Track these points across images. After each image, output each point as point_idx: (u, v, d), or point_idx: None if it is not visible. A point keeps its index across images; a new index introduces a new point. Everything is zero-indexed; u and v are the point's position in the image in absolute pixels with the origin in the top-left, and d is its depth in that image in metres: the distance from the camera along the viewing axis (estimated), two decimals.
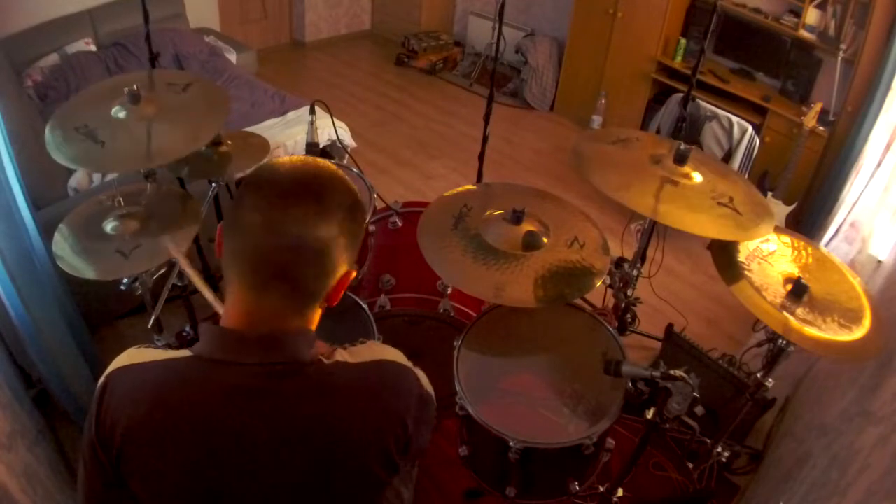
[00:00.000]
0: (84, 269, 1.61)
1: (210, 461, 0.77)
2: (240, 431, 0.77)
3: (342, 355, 0.85)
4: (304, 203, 0.77)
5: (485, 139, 2.53)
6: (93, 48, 3.94)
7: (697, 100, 3.44)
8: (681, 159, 1.68)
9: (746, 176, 3.14)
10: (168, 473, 0.78)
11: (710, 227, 1.56)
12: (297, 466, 0.78)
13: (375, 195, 2.09)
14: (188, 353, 0.81)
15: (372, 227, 2.10)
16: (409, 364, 0.90)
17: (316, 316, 0.85)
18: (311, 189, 0.79)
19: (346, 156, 2.90)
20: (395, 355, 0.90)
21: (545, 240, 1.63)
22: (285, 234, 0.76)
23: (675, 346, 2.42)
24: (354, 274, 0.86)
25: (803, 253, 1.69)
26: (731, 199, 1.63)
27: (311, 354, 0.81)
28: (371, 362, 0.86)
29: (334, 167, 0.84)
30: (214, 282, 2.43)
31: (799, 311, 1.51)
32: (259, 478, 0.78)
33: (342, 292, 0.85)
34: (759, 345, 1.80)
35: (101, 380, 0.82)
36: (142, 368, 0.82)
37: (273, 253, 0.77)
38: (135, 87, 1.73)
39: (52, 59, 3.75)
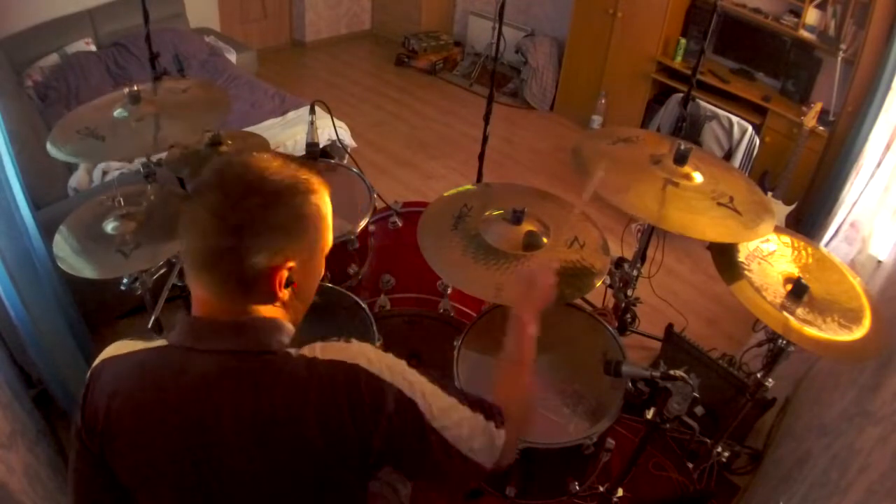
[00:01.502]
0: (84, 269, 1.61)
1: (186, 445, 0.80)
2: (212, 416, 0.79)
3: (313, 350, 0.85)
4: (237, 196, 0.78)
5: (485, 139, 2.53)
6: (93, 48, 3.94)
7: (697, 100, 3.44)
8: (681, 160, 1.68)
9: (746, 176, 3.14)
10: (149, 459, 0.82)
11: (710, 230, 1.56)
12: (268, 450, 0.80)
13: (375, 195, 2.09)
14: (164, 342, 0.84)
15: (372, 227, 2.10)
16: (386, 378, 0.84)
17: (286, 309, 0.86)
18: (245, 180, 0.80)
19: (346, 156, 2.90)
20: (370, 363, 0.85)
21: (545, 240, 1.63)
22: (223, 227, 0.77)
23: (675, 346, 2.42)
24: (315, 267, 0.87)
25: (803, 253, 1.69)
26: (732, 199, 1.63)
27: (279, 345, 0.83)
28: (338, 362, 0.83)
29: (275, 156, 0.85)
30: None
31: (799, 311, 1.51)
32: (231, 462, 0.80)
33: (307, 286, 0.88)
34: (759, 345, 1.80)
35: (89, 371, 0.87)
36: (122, 359, 0.86)
37: (214, 247, 0.78)
38: (135, 88, 1.74)
39: (52, 59, 3.75)
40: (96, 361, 0.88)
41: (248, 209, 0.78)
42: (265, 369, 0.81)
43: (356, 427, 0.81)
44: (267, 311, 0.84)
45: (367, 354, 0.86)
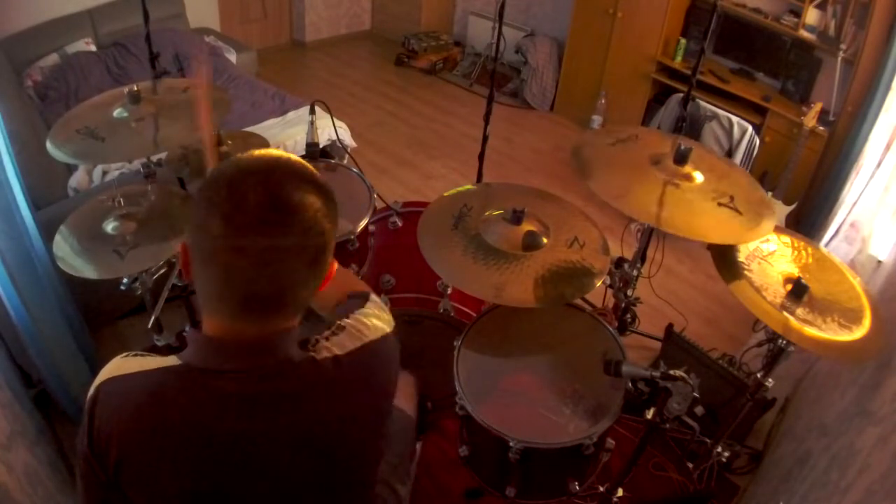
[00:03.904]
0: (84, 269, 1.61)
1: (209, 470, 0.77)
2: (237, 438, 0.76)
3: (329, 350, 0.84)
4: (276, 225, 0.73)
5: (485, 139, 2.53)
6: (93, 48, 3.94)
7: (697, 100, 3.44)
8: (681, 160, 1.68)
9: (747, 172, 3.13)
10: (168, 484, 0.78)
11: (711, 231, 1.56)
12: (296, 466, 0.78)
13: (375, 195, 2.09)
14: (176, 360, 0.79)
15: (372, 227, 2.10)
16: (384, 327, 0.91)
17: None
18: (279, 206, 0.73)
19: (346, 156, 2.90)
20: (373, 329, 0.88)
21: (545, 240, 1.63)
22: (262, 259, 0.73)
23: (675, 346, 2.42)
24: (336, 265, 0.87)
25: (803, 253, 1.69)
26: (732, 199, 1.62)
27: (299, 352, 0.80)
28: (359, 349, 0.85)
29: (300, 164, 0.79)
30: None
31: (799, 311, 1.51)
32: (259, 482, 0.78)
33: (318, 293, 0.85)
34: (759, 345, 1.80)
35: (91, 392, 0.81)
36: (131, 379, 0.80)
37: (252, 277, 0.73)
38: (135, 88, 1.74)
39: (52, 59, 3.75)
40: (99, 380, 0.81)
41: (296, 259, 0.74)
42: (293, 384, 0.79)
43: (387, 392, 0.85)
44: (292, 321, 0.81)
45: (369, 324, 0.89)
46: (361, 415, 0.81)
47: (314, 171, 0.80)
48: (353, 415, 0.80)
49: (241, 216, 0.72)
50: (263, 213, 0.72)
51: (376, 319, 0.90)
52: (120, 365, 0.82)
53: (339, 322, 0.88)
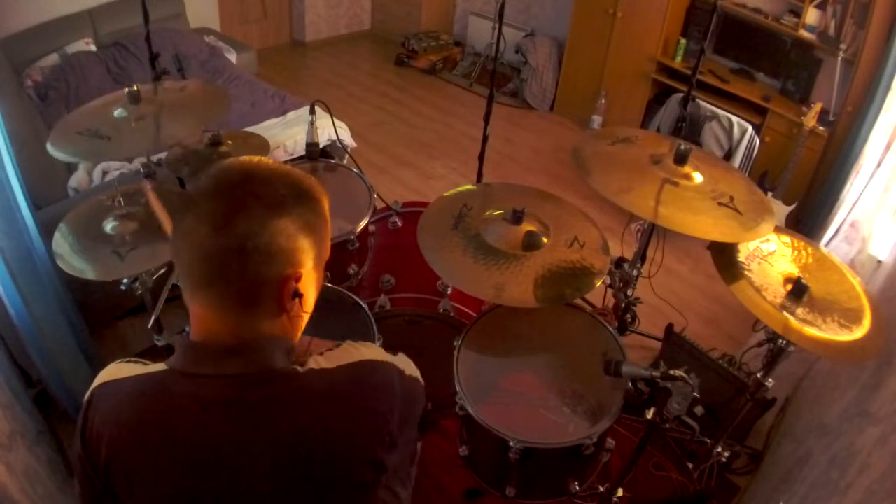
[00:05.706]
0: (84, 269, 1.61)
1: (193, 474, 0.77)
2: (219, 443, 0.76)
3: (318, 361, 0.83)
4: (241, 204, 0.74)
5: (485, 139, 2.53)
6: (93, 48, 3.95)
7: (697, 100, 3.44)
8: (681, 159, 1.68)
9: (746, 176, 3.13)
10: (154, 487, 0.78)
11: (711, 228, 1.56)
12: (279, 476, 0.77)
13: (375, 195, 2.09)
14: (164, 366, 0.80)
15: (372, 227, 2.10)
16: (387, 359, 0.89)
17: (291, 322, 0.82)
18: (246, 188, 0.75)
19: (346, 156, 2.90)
20: (372, 353, 0.88)
21: (545, 240, 1.63)
22: (226, 236, 0.73)
23: (675, 346, 2.42)
24: (317, 276, 0.84)
25: (803, 253, 1.69)
26: (732, 199, 1.63)
27: (285, 362, 0.80)
28: (348, 365, 0.84)
29: (275, 163, 0.82)
30: None
31: (799, 311, 1.51)
32: (243, 488, 0.77)
33: (310, 296, 0.83)
34: (759, 345, 1.80)
35: (86, 396, 0.83)
36: (121, 384, 0.81)
37: (216, 258, 0.74)
38: (135, 88, 1.74)
39: (52, 59, 3.75)
40: (93, 385, 0.83)
41: (250, 218, 0.73)
42: (275, 392, 0.78)
43: (376, 417, 0.82)
44: (272, 327, 0.80)
45: (365, 348, 0.89)
46: (342, 431, 0.79)
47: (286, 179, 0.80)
48: (332, 428, 0.79)
49: (205, 192, 0.76)
50: (225, 185, 0.76)
51: (383, 353, 0.90)
52: (113, 371, 0.84)
53: (337, 342, 0.89)
